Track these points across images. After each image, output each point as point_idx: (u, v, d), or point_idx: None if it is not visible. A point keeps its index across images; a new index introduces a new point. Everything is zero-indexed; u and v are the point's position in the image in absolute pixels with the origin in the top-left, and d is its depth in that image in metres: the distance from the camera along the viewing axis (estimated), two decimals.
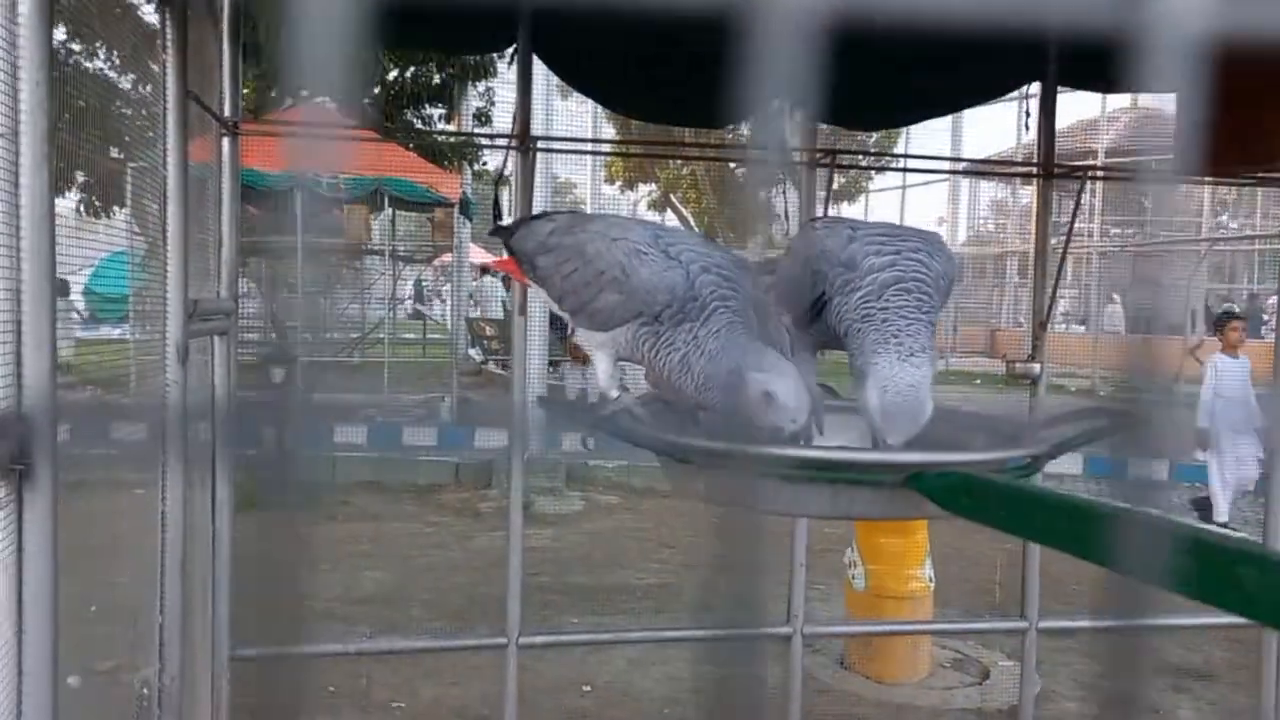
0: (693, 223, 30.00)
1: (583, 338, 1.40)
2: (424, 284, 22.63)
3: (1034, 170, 3.11)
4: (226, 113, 2.81)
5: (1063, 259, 3.22)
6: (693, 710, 4.72)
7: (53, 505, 1.48)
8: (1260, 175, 3.20)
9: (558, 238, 1.43)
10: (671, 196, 29.78)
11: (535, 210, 3.31)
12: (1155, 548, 0.54)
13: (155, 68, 2.32)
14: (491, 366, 13.39)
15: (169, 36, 2.25)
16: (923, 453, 1.22)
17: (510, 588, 3.06)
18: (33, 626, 1.49)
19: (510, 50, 2.92)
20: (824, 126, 3.56)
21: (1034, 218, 3.03)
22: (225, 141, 2.82)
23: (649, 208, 32.58)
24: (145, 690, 2.27)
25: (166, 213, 2.25)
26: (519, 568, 3.08)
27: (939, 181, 21.86)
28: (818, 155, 3.01)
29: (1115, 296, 19.36)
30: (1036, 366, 3.03)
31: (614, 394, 1.36)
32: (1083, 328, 20.58)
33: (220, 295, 2.81)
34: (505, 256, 1.51)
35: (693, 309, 1.28)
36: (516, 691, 3.32)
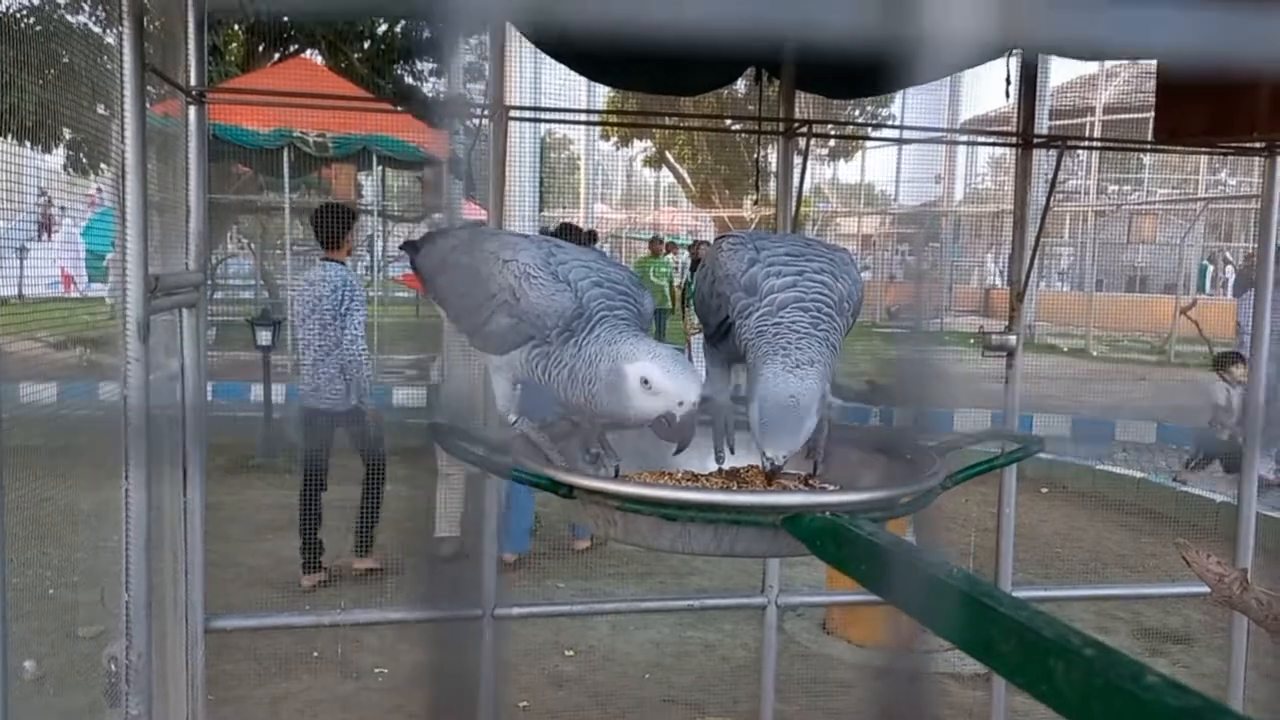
0: (689, 179, 29.86)
1: (482, 359, 1.37)
2: None
3: (1012, 140, 3.06)
4: (193, 80, 2.75)
5: (1041, 224, 3.18)
6: (676, 675, 4.76)
7: None
8: (1236, 146, 3.15)
9: (456, 256, 1.40)
10: (667, 154, 29.61)
11: (515, 179, 3.27)
12: (984, 630, 0.53)
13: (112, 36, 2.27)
14: None
15: (124, 5, 2.20)
16: (799, 494, 1.20)
17: (485, 559, 3.06)
18: None
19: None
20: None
21: (1014, 187, 2.99)
22: (191, 110, 2.77)
23: (644, 165, 32.40)
24: (113, 666, 2.27)
25: (125, 187, 2.21)
26: (494, 538, 3.07)
27: (936, 140, 21.72)
28: (795, 125, 2.97)
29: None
30: (1013, 338, 3.01)
31: (511, 418, 1.34)
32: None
33: (189, 267, 2.78)
34: (411, 271, 1.47)
35: (579, 325, 1.27)
36: (495, 661, 3.33)
